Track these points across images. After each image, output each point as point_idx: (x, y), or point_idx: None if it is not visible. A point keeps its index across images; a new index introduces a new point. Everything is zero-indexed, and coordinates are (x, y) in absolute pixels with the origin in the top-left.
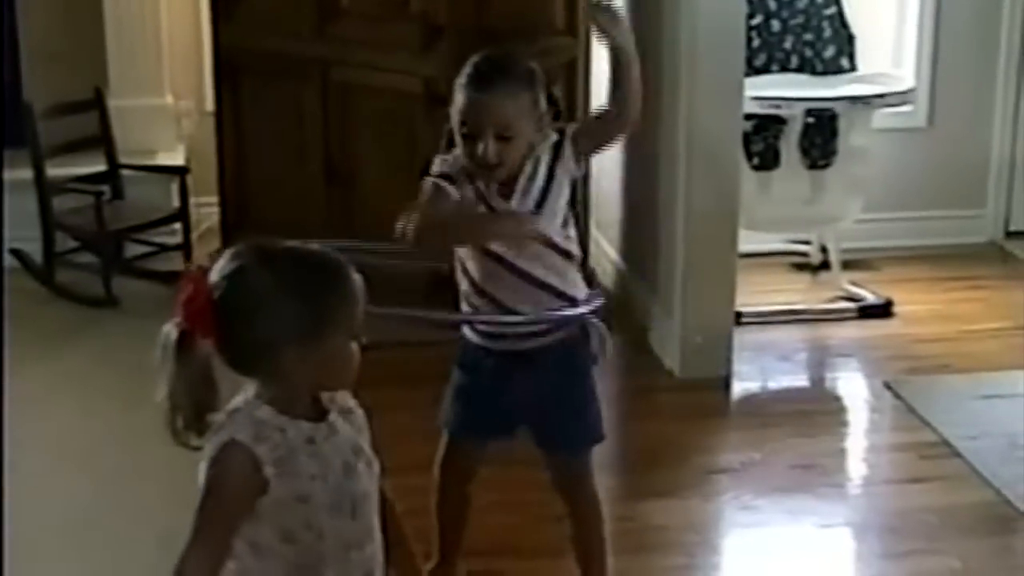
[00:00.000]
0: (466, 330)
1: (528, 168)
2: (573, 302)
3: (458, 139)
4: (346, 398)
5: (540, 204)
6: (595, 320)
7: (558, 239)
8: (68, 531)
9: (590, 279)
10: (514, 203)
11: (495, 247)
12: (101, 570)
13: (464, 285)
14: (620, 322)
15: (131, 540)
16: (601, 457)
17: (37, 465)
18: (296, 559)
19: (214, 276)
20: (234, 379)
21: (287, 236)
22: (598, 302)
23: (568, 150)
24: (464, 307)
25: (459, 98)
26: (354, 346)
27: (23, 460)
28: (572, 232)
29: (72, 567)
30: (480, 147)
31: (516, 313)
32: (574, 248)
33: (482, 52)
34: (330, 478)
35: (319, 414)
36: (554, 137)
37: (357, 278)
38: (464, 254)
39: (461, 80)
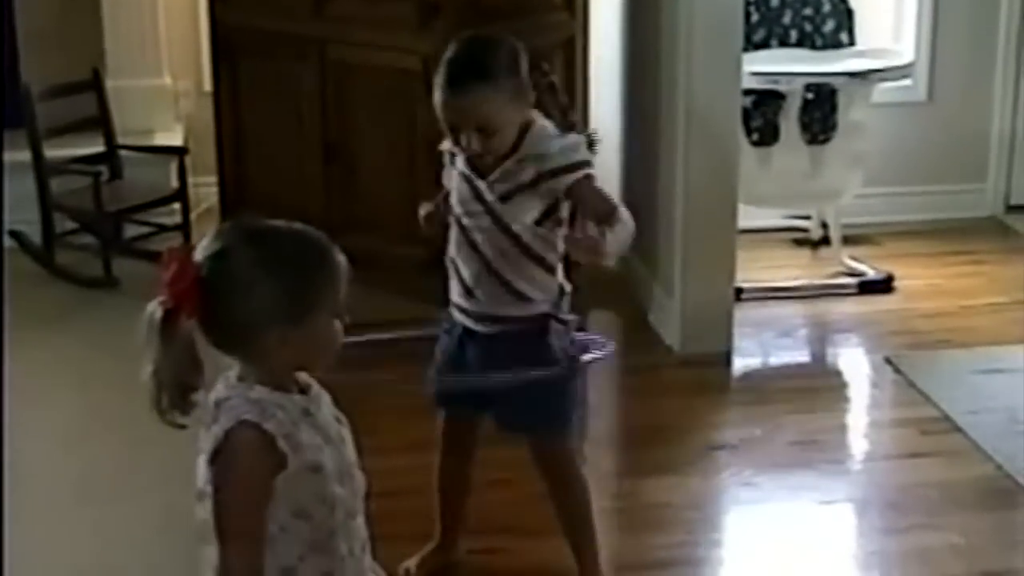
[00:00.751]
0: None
1: (520, 155)
2: (529, 303)
3: (444, 129)
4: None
5: (509, 195)
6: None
7: (525, 235)
8: (67, 511)
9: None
10: (489, 178)
11: (468, 227)
12: (100, 551)
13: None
14: (620, 299)
15: (130, 521)
16: (601, 434)
17: (36, 446)
18: (310, 535)
19: (199, 255)
20: (218, 357)
21: (286, 215)
22: (546, 308)
23: (562, 187)
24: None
25: (436, 96)
26: (337, 325)
27: (22, 440)
28: (553, 237)
29: (70, 548)
30: (463, 140)
31: (472, 294)
32: (548, 253)
33: (458, 43)
34: (332, 446)
35: (302, 388)
36: (568, 143)
37: (342, 258)
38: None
39: (437, 77)
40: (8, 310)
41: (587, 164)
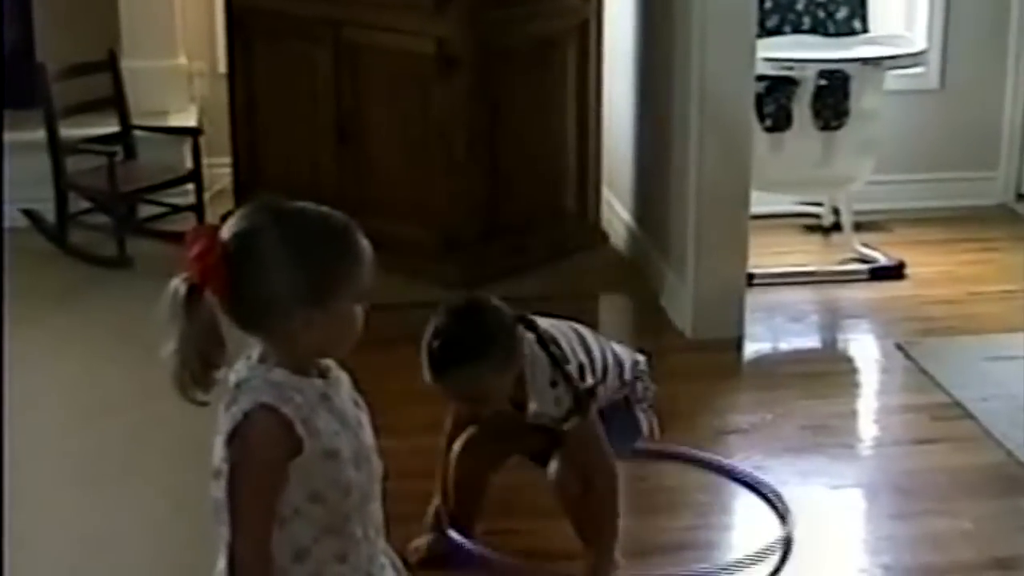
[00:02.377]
0: None
1: (531, 414)
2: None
3: None
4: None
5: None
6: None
7: (555, 411)
8: (75, 489)
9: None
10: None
11: None
12: (108, 527)
13: None
14: (632, 283)
15: (139, 497)
16: None
17: (48, 424)
18: (324, 519)
19: (226, 233)
20: (240, 336)
21: (299, 196)
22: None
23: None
24: None
25: (423, 371)
26: (359, 311)
27: (33, 419)
28: (568, 382)
29: (79, 524)
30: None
31: None
32: (573, 387)
33: (441, 317)
34: (348, 431)
35: (321, 372)
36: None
37: (366, 243)
38: None
39: (422, 351)
40: (8, 289)
41: (586, 411)
